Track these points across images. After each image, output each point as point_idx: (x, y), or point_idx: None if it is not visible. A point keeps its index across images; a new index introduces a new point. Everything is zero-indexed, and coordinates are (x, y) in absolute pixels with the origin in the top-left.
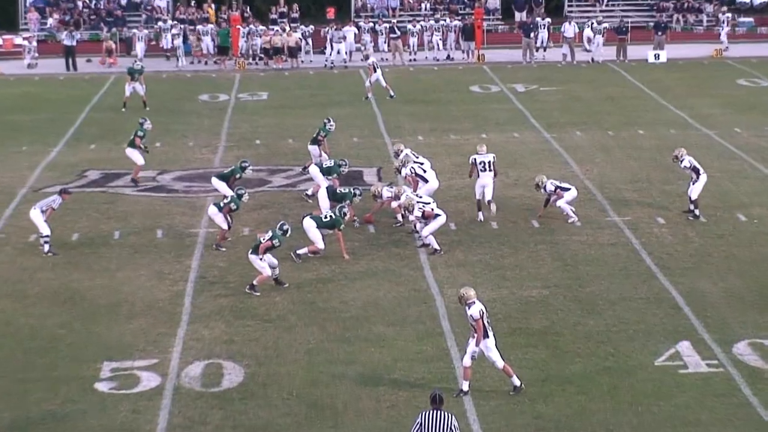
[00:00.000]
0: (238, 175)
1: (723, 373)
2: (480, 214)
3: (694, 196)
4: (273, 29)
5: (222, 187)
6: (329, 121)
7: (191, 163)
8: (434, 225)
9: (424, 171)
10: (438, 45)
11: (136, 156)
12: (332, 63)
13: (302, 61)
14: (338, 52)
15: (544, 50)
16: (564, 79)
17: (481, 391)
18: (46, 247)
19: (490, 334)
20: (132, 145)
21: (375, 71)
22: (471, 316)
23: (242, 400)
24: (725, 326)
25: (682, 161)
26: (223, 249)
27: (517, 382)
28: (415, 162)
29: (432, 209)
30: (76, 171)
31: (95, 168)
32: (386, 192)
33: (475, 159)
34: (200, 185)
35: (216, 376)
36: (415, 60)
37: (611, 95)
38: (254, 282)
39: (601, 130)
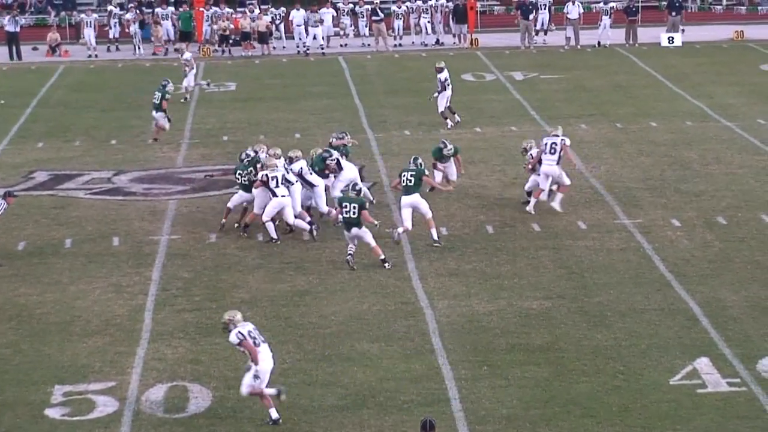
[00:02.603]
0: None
1: (746, 392)
2: None
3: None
4: (240, 12)
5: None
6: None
7: (151, 162)
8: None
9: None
10: (426, 28)
11: (162, 119)
12: (307, 49)
13: (274, 48)
14: (314, 38)
15: (545, 33)
16: (567, 66)
17: (477, 414)
18: None
19: (262, 357)
20: (158, 108)
21: (192, 68)
22: (231, 342)
23: (210, 427)
24: (748, 340)
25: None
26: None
27: (275, 415)
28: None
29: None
30: (21, 172)
31: (43, 169)
32: None
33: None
34: (161, 187)
35: (180, 401)
36: (400, 45)
37: (620, 83)
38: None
39: (609, 122)
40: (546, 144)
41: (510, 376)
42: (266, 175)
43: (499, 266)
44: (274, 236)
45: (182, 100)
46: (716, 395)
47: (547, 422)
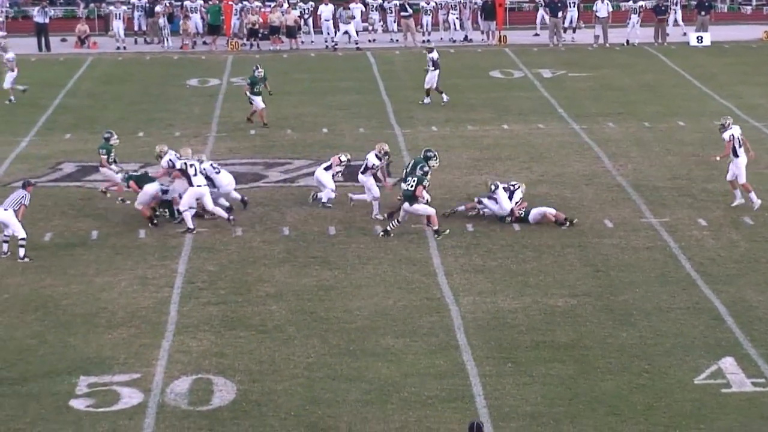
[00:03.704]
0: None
1: None
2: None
3: (741, 180)
4: (269, 6)
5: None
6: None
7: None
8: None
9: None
10: (455, 24)
11: (258, 101)
12: (335, 44)
13: (302, 42)
14: (346, 33)
15: (574, 31)
16: (595, 64)
17: (501, 411)
18: (22, 252)
19: None
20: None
21: (14, 71)
22: None
23: (234, 420)
24: None
25: (725, 131)
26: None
27: None
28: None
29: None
30: (48, 163)
31: (70, 160)
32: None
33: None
34: None
35: (205, 393)
36: (428, 41)
37: (648, 82)
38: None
39: (636, 121)
40: (739, 138)
41: (534, 373)
42: (184, 163)
43: (524, 263)
44: (191, 226)
45: (6, 102)
46: (741, 395)
47: (572, 420)
